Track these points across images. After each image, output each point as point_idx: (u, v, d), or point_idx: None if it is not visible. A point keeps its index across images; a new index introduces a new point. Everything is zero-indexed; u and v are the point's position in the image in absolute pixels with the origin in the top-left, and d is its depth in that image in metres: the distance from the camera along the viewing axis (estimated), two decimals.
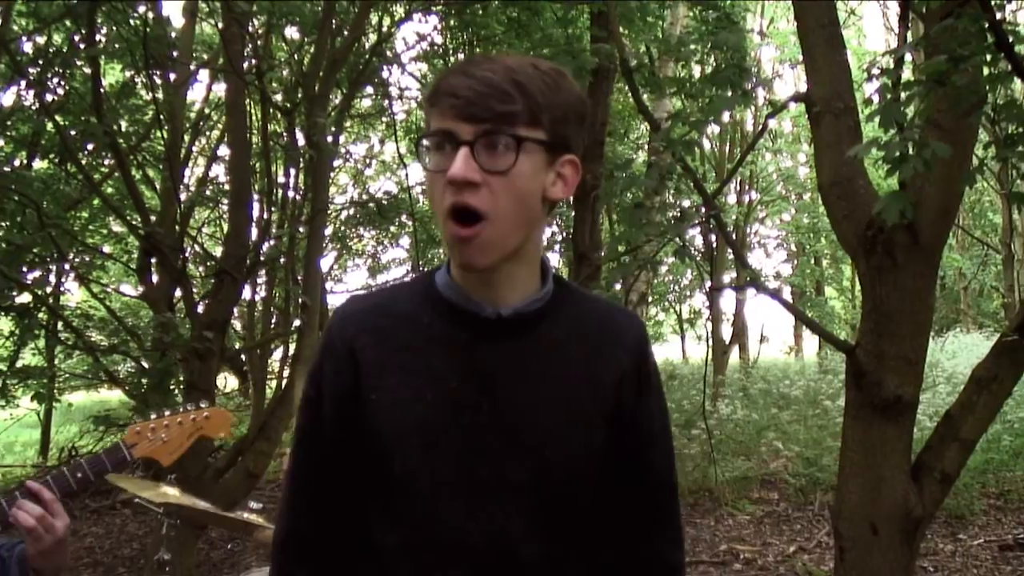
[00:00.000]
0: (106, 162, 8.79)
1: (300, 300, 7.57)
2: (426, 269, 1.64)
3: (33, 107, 7.89)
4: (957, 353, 14.79)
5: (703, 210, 4.90)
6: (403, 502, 1.47)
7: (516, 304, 1.49)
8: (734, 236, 18.12)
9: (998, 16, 2.92)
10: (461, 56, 13.68)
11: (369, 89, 12.55)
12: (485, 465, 1.45)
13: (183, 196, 8.49)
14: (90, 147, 8.12)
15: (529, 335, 1.50)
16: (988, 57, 3.03)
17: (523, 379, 1.48)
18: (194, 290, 7.40)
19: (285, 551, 1.57)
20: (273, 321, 12.76)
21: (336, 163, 14.81)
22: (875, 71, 3.34)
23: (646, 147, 14.69)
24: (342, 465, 1.51)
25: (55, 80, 7.86)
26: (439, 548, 1.46)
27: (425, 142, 1.42)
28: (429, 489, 1.45)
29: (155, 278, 7.05)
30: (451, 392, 1.46)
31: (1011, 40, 2.94)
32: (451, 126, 1.36)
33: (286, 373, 10.14)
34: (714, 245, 13.54)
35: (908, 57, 4.07)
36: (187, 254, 8.03)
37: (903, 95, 3.25)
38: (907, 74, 4.00)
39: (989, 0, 2.86)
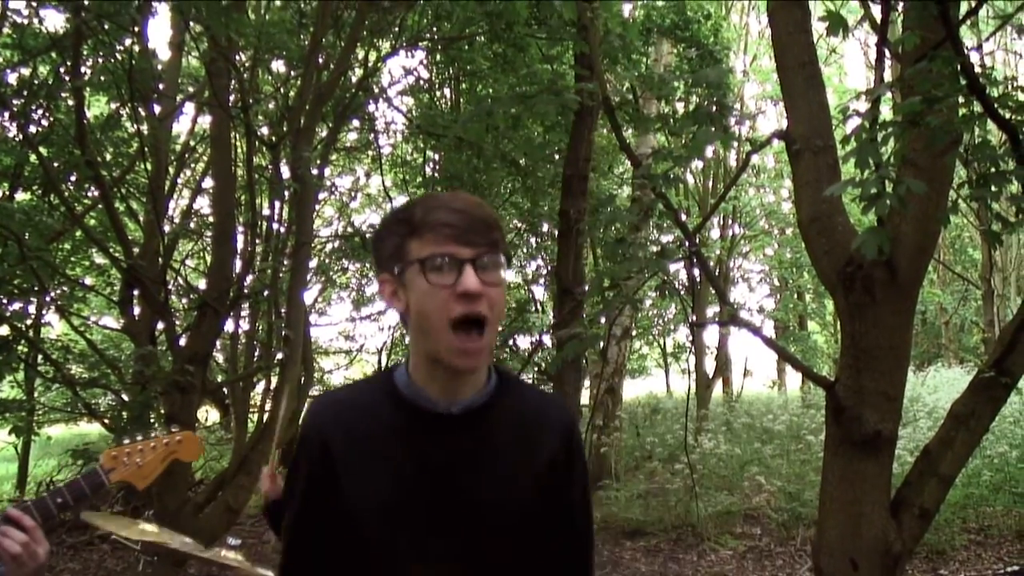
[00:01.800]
0: (89, 194, 8.78)
1: (283, 333, 7.56)
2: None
3: (16, 138, 7.89)
4: (938, 388, 14.86)
5: (685, 245, 4.92)
6: (371, 566, 1.74)
7: (466, 400, 1.75)
8: (717, 271, 18.20)
9: (972, 59, 2.97)
10: (447, 91, 13.82)
11: (355, 123, 12.60)
12: (437, 536, 1.72)
13: (167, 228, 8.48)
14: (73, 179, 8.11)
15: (476, 426, 1.76)
16: (961, 98, 3.07)
17: (470, 466, 1.74)
18: (176, 323, 7.38)
19: None
20: (256, 354, 12.72)
21: (321, 196, 14.83)
22: (850, 111, 3.38)
23: (631, 183, 14.77)
24: (320, 539, 1.77)
25: (39, 112, 7.87)
26: None
27: (417, 263, 1.65)
28: (390, 555, 1.72)
29: (137, 311, 7.04)
30: (407, 478, 1.72)
31: (982, 83, 2.99)
32: (451, 249, 1.63)
33: (268, 407, 10.08)
34: (697, 280, 13.61)
35: (888, 95, 4.13)
36: (170, 287, 8.00)
37: (880, 135, 3.29)
38: (887, 112, 4.06)
39: (961, 43, 2.91)
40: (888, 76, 4.38)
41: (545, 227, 14.06)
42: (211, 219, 9.95)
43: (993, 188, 3.14)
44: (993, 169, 3.16)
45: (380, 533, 1.72)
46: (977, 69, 3.09)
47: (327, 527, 1.76)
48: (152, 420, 6.49)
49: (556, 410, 1.89)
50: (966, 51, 2.99)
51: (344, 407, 1.81)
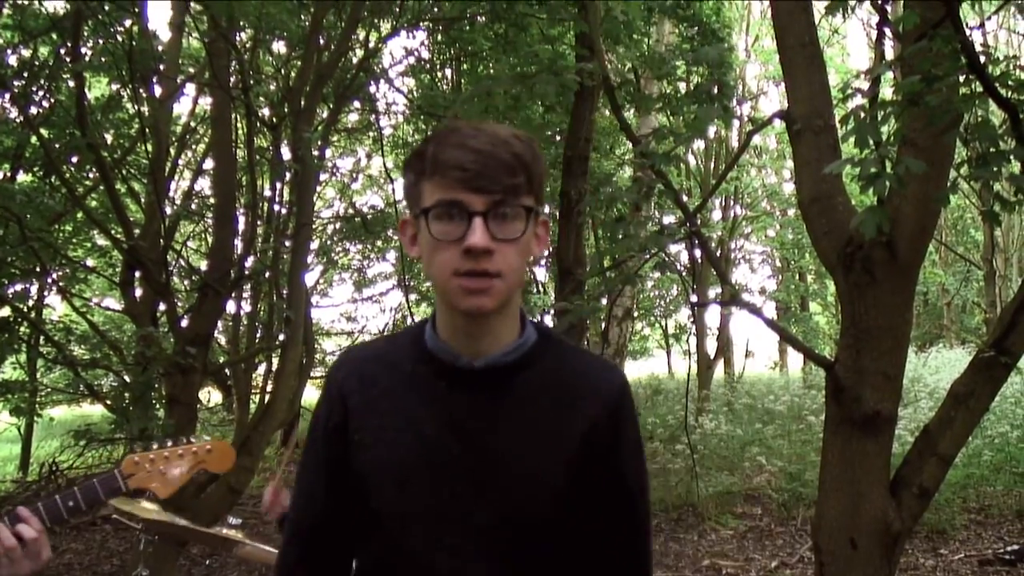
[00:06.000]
0: (90, 175, 8.77)
1: (284, 314, 7.57)
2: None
3: (17, 120, 7.88)
4: (940, 368, 14.90)
5: (686, 225, 4.92)
6: (378, 535, 1.59)
7: (493, 355, 1.57)
8: (719, 252, 18.19)
9: (973, 37, 2.96)
10: (448, 71, 13.78)
11: (356, 103, 12.58)
12: (453, 505, 1.54)
13: (168, 210, 8.48)
14: (74, 160, 8.11)
15: (502, 385, 1.58)
16: (962, 77, 3.06)
17: (492, 428, 1.55)
18: (178, 304, 7.39)
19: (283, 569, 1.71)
20: (257, 335, 12.74)
21: (322, 177, 14.82)
22: (850, 91, 3.37)
23: (631, 163, 14.73)
24: (332, 499, 1.65)
25: (40, 93, 7.86)
26: None
27: (429, 210, 1.47)
28: (399, 523, 1.56)
29: (138, 292, 7.05)
30: (425, 437, 1.55)
31: (982, 61, 2.98)
32: (461, 196, 1.44)
33: (270, 388, 10.11)
34: (698, 261, 13.61)
35: (889, 75, 4.11)
36: (171, 268, 8.01)
37: (879, 114, 3.28)
38: (888, 92, 4.05)
39: (962, 22, 2.90)
40: (889, 55, 4.37)
41: (546, 208, 14.01)
42: (212, 200, 9.94)
43: (993, 168, 3.13)
44: (993, 149, 3.15)
45: (387, 497, 1.56)
46: (978, 48, 3.08)
47: (337, 486, 1.63)
48: (154, 402, 6.50)
49: (603, 375, 1.65)
50: (967, 30, 2.98)
51: (367, 359, 1.67)
